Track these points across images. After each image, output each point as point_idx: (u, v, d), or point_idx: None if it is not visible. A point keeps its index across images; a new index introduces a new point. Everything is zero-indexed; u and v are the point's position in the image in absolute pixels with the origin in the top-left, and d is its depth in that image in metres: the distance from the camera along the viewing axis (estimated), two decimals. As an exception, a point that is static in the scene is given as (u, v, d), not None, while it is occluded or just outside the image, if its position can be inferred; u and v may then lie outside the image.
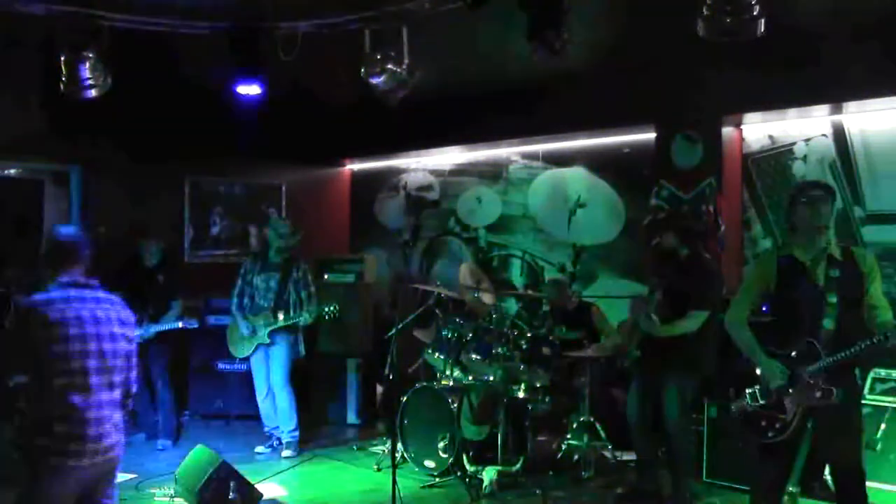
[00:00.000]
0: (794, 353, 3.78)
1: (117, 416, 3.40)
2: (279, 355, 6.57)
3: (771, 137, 6.40)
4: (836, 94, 5.71)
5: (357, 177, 9.63)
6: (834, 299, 3.72)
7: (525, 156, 7.96)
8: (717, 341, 5.14)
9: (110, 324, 3.35)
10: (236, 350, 6.73)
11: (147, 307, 6.73)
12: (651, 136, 6.83)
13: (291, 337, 6.65)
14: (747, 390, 3.91)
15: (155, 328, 6.67)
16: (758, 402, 3.86)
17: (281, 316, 6.50)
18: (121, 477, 5.84)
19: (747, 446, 3.96)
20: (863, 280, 3.76)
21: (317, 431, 7.27)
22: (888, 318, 3.66)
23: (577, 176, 7.52)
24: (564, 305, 6.49)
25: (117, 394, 3.39)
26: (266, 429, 6.79)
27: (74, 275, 3.37)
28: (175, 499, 5.25)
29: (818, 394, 3.68)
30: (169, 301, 6.85)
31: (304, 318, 6.52)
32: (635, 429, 5.34)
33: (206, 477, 4.86)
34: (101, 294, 3.41)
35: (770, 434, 3.81)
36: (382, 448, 6.56)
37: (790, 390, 3.75)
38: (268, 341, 6.54)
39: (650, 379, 5.24)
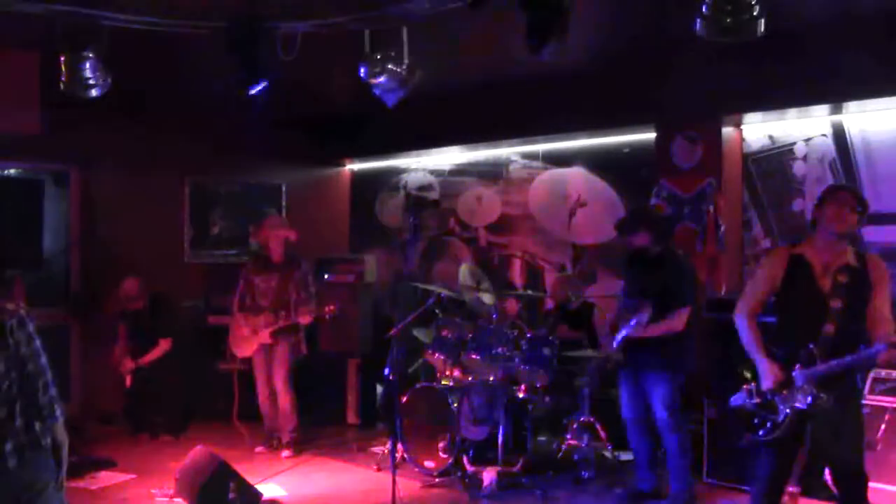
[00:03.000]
0: (791, 356, 3.77)
1: None
2: (281, 355, 6.58)
3: (771, 137, 6.40)
4: (836, 94, 5.71)
5: (357, 177, 9.63)
6: (838, 305, 3.68)
7: (525, 156, 7.96)
8: (696, 335, 5.17)
9: None
10: (239, 350, 6.74)
11: (134, 344, 7.14)
12: (651, 136, 6.84)
13: (293, 337, 6.65)
14: (745, 386, 3.91)
15: (132, 367, 7.06)
16: (753, 399, 3.86)
17: (281, 316, 6.51)
18: (121, 477, 5.91)
19: (740, 442, 3.96)
20: (870, 289, 3.73)
21: (317, 431, 7.27)
22: (885, 331, 3.61)
23: (577, 176, 7.52)
24: (567, 305, 6.49)
25: None
26: (266, 429, 6.79)
27: None
28: (175, 499, 5.25)
29: (809, 399, 3.66)
30: (156, 340, 7.09)
31: (304, 318, 6.52)
32: (630, 429, 5.35)
33: (206, 477, 4.86)
34: None
35: (761, 433, 3.81)
36: (382, 448, 6.56)
37: (783, 392, 3.75)
38: (269, 341, 6.54)
39: (636, 378, 5.25)
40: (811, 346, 3.70)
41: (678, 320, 5.05)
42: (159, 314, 7.16)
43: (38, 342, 3.08)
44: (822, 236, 3.82)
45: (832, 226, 3.76)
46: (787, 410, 3.73)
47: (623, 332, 5.12)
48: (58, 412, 3.10)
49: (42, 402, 3.05)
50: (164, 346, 7.08)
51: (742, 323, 3.97)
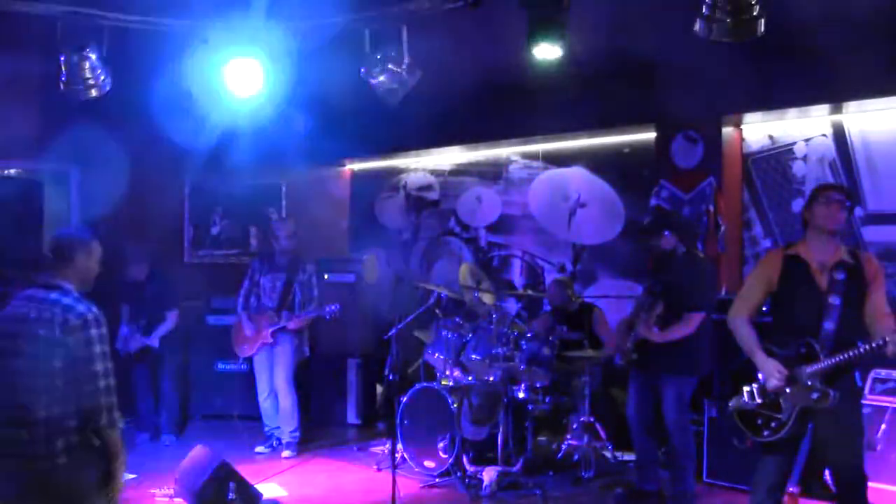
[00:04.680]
0: (792, 354, 3.78)
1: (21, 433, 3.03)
2: (284, 356, 6.58)
3: (771, 137, 6.40)
4: (836, 94, 5.72)
5: (357, 177, 9.63)
6: (836, 301, 3.72)
7: (525, 156, 7.96)
8: (712, 339, 5.16)
9: (38, 324, 3.08)
10: (240, 349, 6.74)
11: (140, 319, 6.91)
12: (651, 136, 6.84)
13: (296, 338, 6.65)
14: (745, 388, 3.91)
15: (143, 342, 6.86)
16: (755, 400, 3.86)
17: (284, 315, 6.51)
18: (121, 477, 5.89)
19: (741, 445, 3.96)
20: (867, 285, 3.77)
21: (317, 431, 7.27)
22: (888, 325, 3.66)
23: (577, 176, 7.52)
24: (566, 306, 6.49)
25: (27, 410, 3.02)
26: (266, 429, 6.79)
27: (46, 276, 3.22)
28: (175, 499, 5.25)
29: (815, 395, 3.68)
30: (163, 312, 6.91)
31: (306, 319, 6.52)
32: (635, 429, 5.35)
33: (206, 477, 4.86)
34: (53, 295, 3.15)
35: (766, 433, 3.81)
36: (382, 448, 6.56)
37: (787, 390, 3.75)
38: (271, 340, 6.54)
39: (648, 378, 5.25)
40: (813, 342, 3.71)
41: (690, 325, 5.05)
42: (163, 284, 6.95)
43: (95, 348, 3.10)
44: (814, 235, 3.87)
45: (823, 224, 3.81)
46: (793, 408, 3.73)
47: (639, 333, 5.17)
48: (103, 421, 3.09)
49: (87, 407, 3.07)
50: (171, 319, 6.91)
51: (740, 325, 3.98)
